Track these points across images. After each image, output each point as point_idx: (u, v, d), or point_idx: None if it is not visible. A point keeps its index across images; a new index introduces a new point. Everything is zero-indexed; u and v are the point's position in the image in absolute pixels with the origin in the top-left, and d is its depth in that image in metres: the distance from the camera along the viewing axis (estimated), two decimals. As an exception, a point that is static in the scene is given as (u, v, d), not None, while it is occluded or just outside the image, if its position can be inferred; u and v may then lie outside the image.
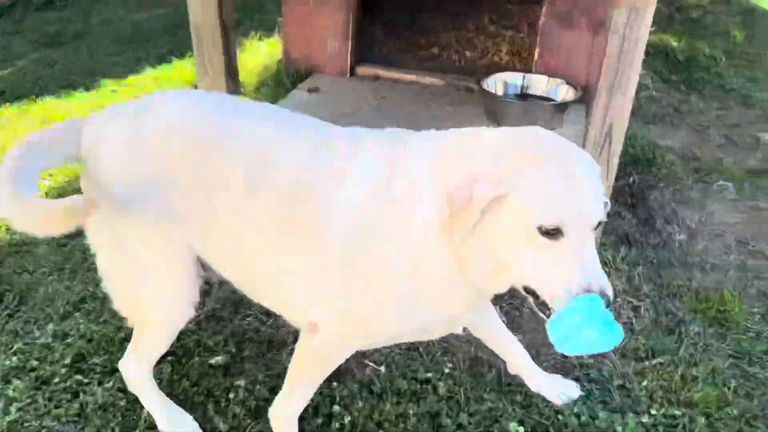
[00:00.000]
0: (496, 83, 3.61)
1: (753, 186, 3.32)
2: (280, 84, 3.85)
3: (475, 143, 1.48)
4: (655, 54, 5.20)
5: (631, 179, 3.38)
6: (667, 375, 2.11)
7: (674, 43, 5.44)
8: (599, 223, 1.37)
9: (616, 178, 3.27)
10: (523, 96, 3.65)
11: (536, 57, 3.78)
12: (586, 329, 1.28)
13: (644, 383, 2.08)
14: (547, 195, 1.32)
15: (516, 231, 1.34)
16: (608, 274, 1.47)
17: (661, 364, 2.15)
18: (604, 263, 2.59)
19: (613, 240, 2.84)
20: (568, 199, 1.32)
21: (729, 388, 2.06)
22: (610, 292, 1.32)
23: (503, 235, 1.36)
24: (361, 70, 4.06)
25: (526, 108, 3.37)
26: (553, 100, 3.48)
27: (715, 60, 5.15)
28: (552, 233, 1.31)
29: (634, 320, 2.37)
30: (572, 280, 1.30)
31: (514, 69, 4.00)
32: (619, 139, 2.48)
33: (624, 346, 2.20)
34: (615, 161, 2.52)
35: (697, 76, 4.85)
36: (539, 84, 3.64)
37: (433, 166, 1.49)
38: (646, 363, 2.16)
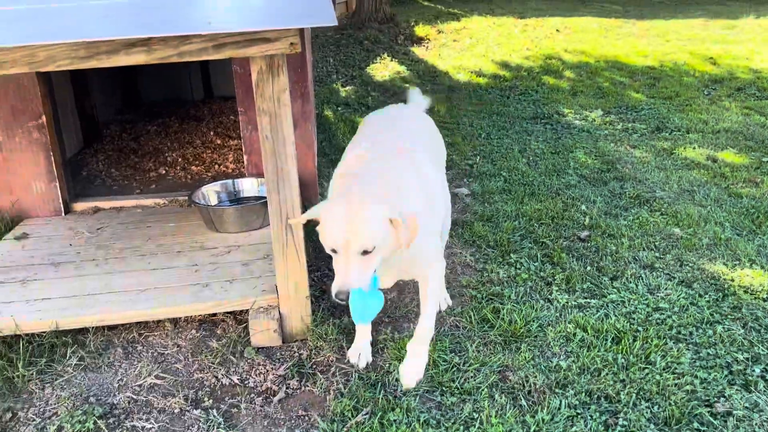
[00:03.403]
0: (206, 194, 3.79)
1: (453, 236, 3.81)
2: (-16, 237, 3.65)
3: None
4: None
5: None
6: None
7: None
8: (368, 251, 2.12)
9: (311, 271, 3.54)
10: (238, 200, 3.87)
11: (245, 161, 4.05)
12: (354, 307, 2.29)
13: None
14: (330, 228, 2.15)
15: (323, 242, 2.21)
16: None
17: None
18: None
19: (331, 312, 3.05)
20: (339, 234, 2.12)
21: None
22: (348, 288, 2.10)
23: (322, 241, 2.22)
24: (78, 206, 4.01)
25: (238, 211, 3.57)
26: (264, 198, 3.74)
27: (422, 133, 5.89)
28: (333, 251, 2.16)
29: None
30: (334, 284, 2.12)
31: (242, 175, 4.23)
32: (298, 231, 2.73)
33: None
34: (301, 245, 2.76)
35: (408, 150, 5.50)
36: (249, 186, 3.89)
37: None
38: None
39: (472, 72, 8.33)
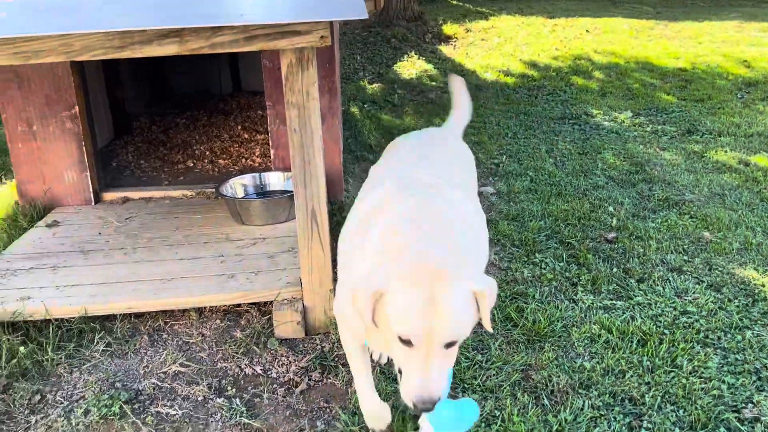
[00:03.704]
0: (235, 187, 3.82)
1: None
2: (17, 224, 3.73)
3: (375, 230, 1.85)
4: (398, 135, 5.82)
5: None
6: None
7: (414, 122, 6.14)
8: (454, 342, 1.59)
9: (334, 265, 3.57)
10: (264, 194, 3.90)
11: (272, 155, 4.08)
12: (442, 421, 1.74)
13: None
14: (404, 313, 1.57)
15: (386, 325, 1.61)
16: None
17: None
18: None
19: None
20: (419, 322, 1.54)
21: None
22: (438, 397, 1.56)
23: (383, 322, 1.63)
24: (108, 195, 4.08)
25: (265, 204, 3.60)
26: (290, 191, 3.77)
27: (448, 132, 5.88)
28: (406, 342, 1.56)
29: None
30: (411, 389, 1.56)
31: (268, 169, 4.26)
32: (324, 223, 2.74)
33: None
34: (326, 240, 2.78)
35: (434, 147, 5.48)
36: (275, 179, 3.92)
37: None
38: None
39: (499, 71, 8.28)
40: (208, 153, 5.02)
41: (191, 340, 2.84)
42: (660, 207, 4.12)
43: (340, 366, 2.62)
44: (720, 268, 3.31)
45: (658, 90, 7.19)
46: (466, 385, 2.48)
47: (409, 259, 1.65)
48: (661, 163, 4.95)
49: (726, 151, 5.13)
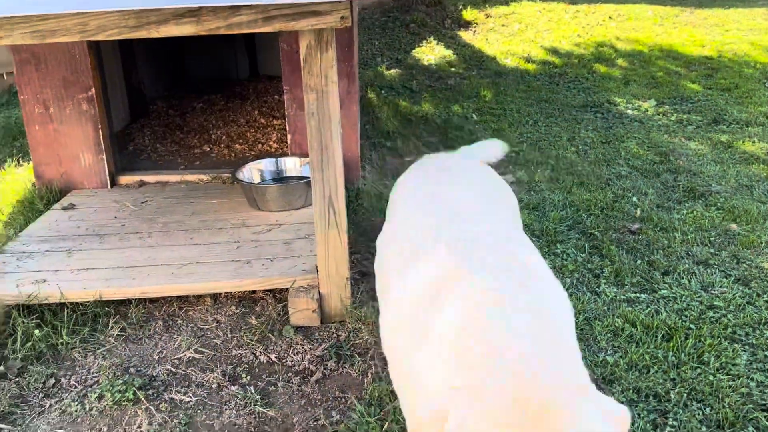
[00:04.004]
0: (251, 172, 3.78)
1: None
2: (33, 207, 3.72)
3: (447, 313, 1.37)
4: (416, 121, 5.76)
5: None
6: None
7: (432, 109, 6.05)
8: None
9: (351, 253, 3.53)
10: (281, 179, 3.85)
11: (289, 141, 4.03)
12: None
13: None
14: None
15: None
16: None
17: None
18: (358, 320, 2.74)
19: (371, 295, 3.01)
20: None
21: None
22: None
23: None
24: (124, 179, 4.05)
25: (281, 189, 3.55)
26: (307, 177, 3.71)
27: (467, 119, 5.79)
28: None
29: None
30: None
31: (285, 154, 4.21)
32: (341, 210, 2.68)
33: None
34: (343, 226, 2.72)
35: (452, 135, 5.40)
36: (292, 165, 3.87)
37: None
38: None
39: (520, 58, 8.14)
40: (224, 138, 4.97)
41: (206, 327, 2.81)
42: (685, 198, 4.01)
43: (356, 356, 2.57)
44: (748, 262, 3.21)
45: (683, 78, 7.02)
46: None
47: (506, 391, 1.17)
48: (687, 153, 4.82)
49: (754, 142, 4.98)
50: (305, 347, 2.64)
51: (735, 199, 3.93)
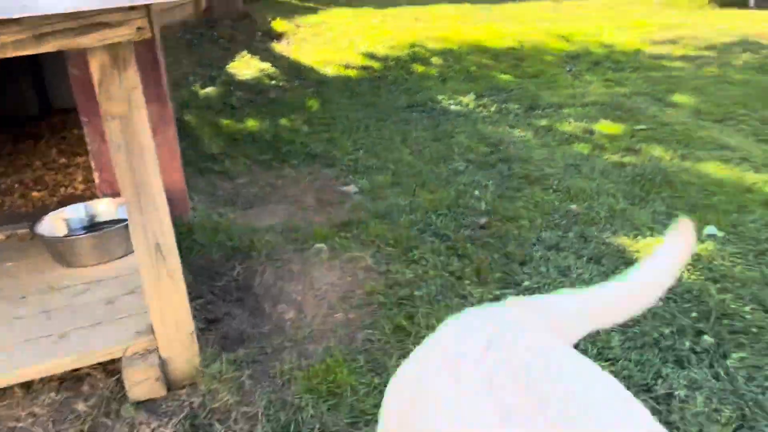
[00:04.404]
0: (53, 224, 3.18)
1: (343, 238, 3.48)
2: None
3: None
4: (242, 140, 5.37)
5: (235, 272, 3.26)
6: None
7: (258, 125, 5.69)
8: None
9: (220, 276, 3.11)
10: (92, 226, 3.29)
11: (96, 180, 3.47)
12: None
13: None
14: None
15: None
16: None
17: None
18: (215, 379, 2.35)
19: (223, 344, 2.63)
20: None
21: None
22: None
23: None
24: None
25: (94, 239, 3.01)
26: (124, 220, 3.20)
27: (297, 131, 5.51)
28: None
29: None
30: None
31: (95, 196, 3.61)
32: (172, 253, 2.27)
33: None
34: (178, 272, 2.31)
35: (285, 149, 5.10)
36: (104, 208, 3.32)
37: None
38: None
39: (339, 65, 8.02)
40: (17, 186, 4.22)
41: (19, 425, 2.24)
42: (523, 185, 4.08)
43: (216, 423, 2.18)
44: (594, 239, 3.29)
45: (494, 70, 7.34)
46: (368, 416, 2.16)
47: None
48: (514, 140, 4.97)
49: (570, 123, 5.27)
50: (152, 425, 2.19)
51: (567, 180, 4.07)
